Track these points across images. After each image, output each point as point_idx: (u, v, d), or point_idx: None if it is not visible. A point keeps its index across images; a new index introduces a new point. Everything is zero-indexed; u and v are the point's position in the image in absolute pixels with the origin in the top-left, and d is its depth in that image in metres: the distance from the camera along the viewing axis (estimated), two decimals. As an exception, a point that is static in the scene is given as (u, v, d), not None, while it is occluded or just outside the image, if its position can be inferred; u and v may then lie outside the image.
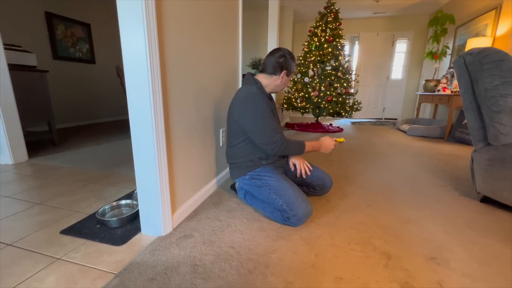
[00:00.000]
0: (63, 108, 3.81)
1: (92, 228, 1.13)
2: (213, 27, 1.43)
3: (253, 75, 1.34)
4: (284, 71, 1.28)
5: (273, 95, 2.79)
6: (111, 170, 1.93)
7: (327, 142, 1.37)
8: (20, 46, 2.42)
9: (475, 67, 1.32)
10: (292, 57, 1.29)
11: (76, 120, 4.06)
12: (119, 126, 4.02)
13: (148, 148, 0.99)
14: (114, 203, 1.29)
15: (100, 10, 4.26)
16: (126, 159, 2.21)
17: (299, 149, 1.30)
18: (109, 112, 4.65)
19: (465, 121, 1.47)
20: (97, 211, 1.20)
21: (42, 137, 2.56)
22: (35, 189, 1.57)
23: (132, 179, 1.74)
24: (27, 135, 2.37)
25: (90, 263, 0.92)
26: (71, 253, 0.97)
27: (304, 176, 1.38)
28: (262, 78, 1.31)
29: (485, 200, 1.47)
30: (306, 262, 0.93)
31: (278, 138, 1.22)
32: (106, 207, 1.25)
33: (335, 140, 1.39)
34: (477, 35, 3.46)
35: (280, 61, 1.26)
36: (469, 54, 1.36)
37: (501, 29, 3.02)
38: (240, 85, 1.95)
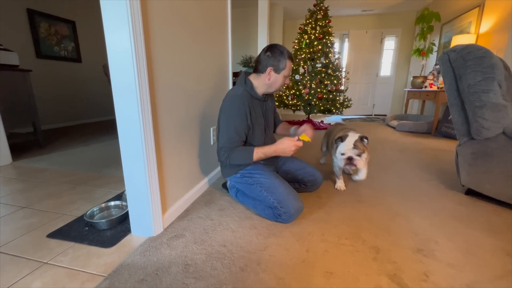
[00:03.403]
0: (49, 109, 3.70)
1: (80, 231, 1.11)
2: (202, 25, 1.42)
3: (248, 74, 1.31)
4: (270, 68, 1.21)
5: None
6: (100, 171, 1.89)
7: (285, 145, 1.18)
8: (0, 45, 2.32)
9: (459, 64, 1.36)
10: (281, 52, 1.19)
11: (63, 121, 3.95)
12: (108, 126, 3.93)
13: (136, 148, 0.97)
14: (103, 205, 1.27)
15: (85, 7, 4.14)
16: (115, 160, 2.17)
17: (245, 157, 1.21)
18: (97, 112, 4.54)
19: (451, 116, 1.51)
20: (85, 213, 1.18)
21: (27, 138, 2.48)
22: (20, 192, 1.52)
23: (121, 180, 1.71)
24: (10, 136, 2.29)
25: (79, 267, 0.90)
26: (58, 257, 0.95)
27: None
28: (253, 78, 1.28)
29: (470, 192, 1.52)
30: (297, 258, 0.94)
31: (229, 144, 1.21)
32: (95, 209, 1.23)
33: (298, 139, 1.20)
34: (461, 32, 3.55)
35: (264, 58, 1.21)
36: (453, 51, 1.39)
37: (484, 27, 3.11)
38: (230, 83, 1.94)
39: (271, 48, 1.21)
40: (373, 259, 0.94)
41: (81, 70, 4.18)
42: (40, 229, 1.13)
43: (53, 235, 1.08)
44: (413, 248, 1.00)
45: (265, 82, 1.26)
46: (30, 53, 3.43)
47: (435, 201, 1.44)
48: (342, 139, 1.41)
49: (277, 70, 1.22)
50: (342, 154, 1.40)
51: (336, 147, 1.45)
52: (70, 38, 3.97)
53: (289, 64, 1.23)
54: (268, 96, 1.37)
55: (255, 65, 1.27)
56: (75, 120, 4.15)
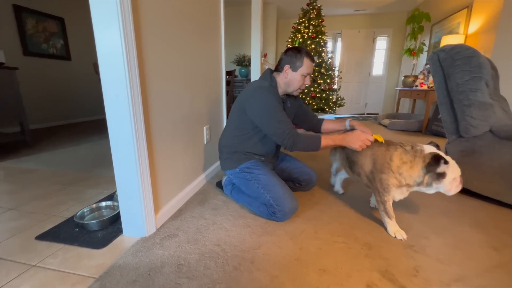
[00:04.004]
0: (37, 108, 3.60)
1: (70, 232, 1.09)
2: (194, 23, 1.40)
3: (273, 71, 1.31)
4: (287, 66, 1.22)
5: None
6: (91, 171, 1.86)
7: (355, 136, 1.13)
8: (-15, 41, 2.25)
9: (448, 63, 1.39)
10: (298, 51, 1.21)
11: (52, 120, 3.86)
12: (99, 126, 3.86)
13: (127, 147, 0.96)
14: (94, 205, 1.25)
15: (74, 3, 4.04)
16: (106, 160, 2.13)
17: (312, 143, 1.17)
18: (88, 111, 4.45)
19: (440, 115, 1.53)
20: (75, 214, 1.15)
21: (14, 138, 2.40)
22: (7, 194, 1.47)
23: (113, 180, 1.67)
24: (-4, 136, 2.22)
25: (69, 269, 0.88)
26: (47, 259, 0.93)
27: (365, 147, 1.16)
28: (276, 77, 1.28)
29: (458, 189, 1.55)
30: (291, 256, 0.95)
31: (286, 128, 1.16)
32: (85, 210, 1.20)
33: (372, 136, 1.14)
34: (450, 32, 3.63)
35: (283, 56, 1.25)
36: (442, 50, 1.42)
37: (472, 27, 3.18)
38: (223, 82, 1.94)
39: (290, 48, 1.24)
40: (365, 255, 0.95)
41: (71, 68, 4.09)
42: (28, 231, 1.10)
43: (42, 237, 1.06)
44: (404, 244, 1.02)
45: (283, 81, 1.26)
46: (17, 50, 3.33)
47: (424, 198, 1.47)
48: (444, 160, 0.97)
49: (294, 68, 1.22)
50: (454, 178, 0.99)
51: (439, 176, 0.98)
52: (59, 35, 3.87)
53: (307, 62, 1.21)
54: (288, 98, 1.36)
55: (276, 65, 1.29)
56: (64, 120, 4.06)
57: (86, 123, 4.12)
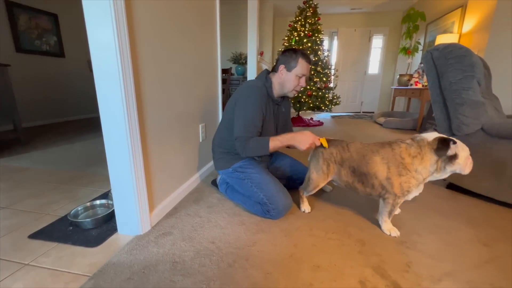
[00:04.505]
0: (30, 105, 3.55)
1: (64, 231, 1.08)
2: (189, 20, 1.39)
3: (269, 72, 1.31)
4: (282, 66, 1.22)
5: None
6: (85, 170, 1.84)
7: (304, 136, 1.13)
8: (-25, 38, 2.21)
9: (441, 62, 1.41)
10: (294, 51, 1.21)
11: (46, 118, 3.80)
12: (93, 124, 3.82)
13: (121, 145, 0.95)
14: (88, 204, 1.24)
15: (68, -1, 3.98)
16: (101, 158, 2.11)
17: (261, 147, 1.15)
18: (82, 109, 4.40)
19: (434, 113, 1.55)
20: (69, 213, 1.15)
21: (7, 136, 2.37)
22: (0, 192, 1.46)
23: (107, 178, 1.66)
24: (-12, 134, 2.19)
25: (62, 267, 0.87)
26: (40, 258, 0.92)
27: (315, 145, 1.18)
28: (272, 77, 1.28)
29: (450, 186, 1.58)
30: (285, 253, 0.96)
31: (248, 134, 1.16)
32: (79, 208, 1.20)
33: (319, 140, 1.16)
34: (445, 31, 3.66)
35: (279, 57, 1.25)
36: (436, 49, 1.43)
37: (466, 27, 3.21)
38: (219, 80, 1.93)
39: (287, 49, 1.24)
40: (359, 252, 0.97)
41: (65, 65, 4.03)
42: (21, 230, 1.09)
43: (35, 235, 1.05)
44: (397, 241, 1.04)
45: (277, 81, 1.26)
46: (9, 47, 3.27)
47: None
48: (453, 141, 0.97)
49: (288, 68, 1.22)
50: (467, 156, 1.00)
51: (451, 159, 0.98)
52: (52, 32, 3.81)
53: (302, 63, 1.20)
54: (283, 100, 1.36)
55: (273, 66, 1.29)
56: (58, 118, 4.00)
57: (80, 121, 4.07)
